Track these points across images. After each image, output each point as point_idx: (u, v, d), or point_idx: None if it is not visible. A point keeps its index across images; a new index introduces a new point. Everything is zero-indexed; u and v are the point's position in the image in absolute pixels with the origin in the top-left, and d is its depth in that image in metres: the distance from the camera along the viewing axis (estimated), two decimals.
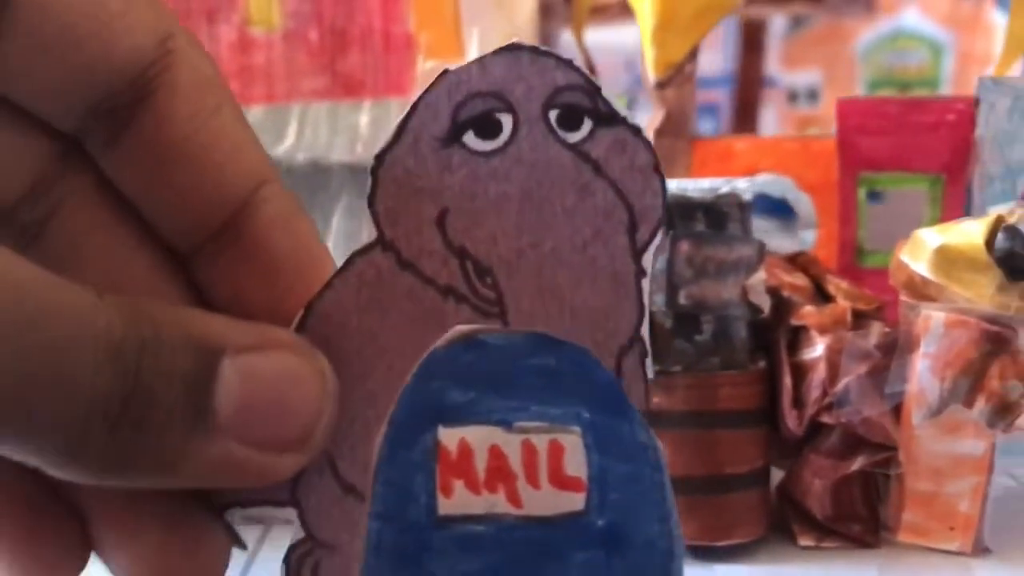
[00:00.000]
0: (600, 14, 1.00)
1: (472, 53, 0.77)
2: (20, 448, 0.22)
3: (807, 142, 0.63)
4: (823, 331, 0.45)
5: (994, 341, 0.44)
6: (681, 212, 0.44)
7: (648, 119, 0.64)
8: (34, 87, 0.24)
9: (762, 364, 0.46)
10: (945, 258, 0.46)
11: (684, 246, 0.44)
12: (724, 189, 0.45)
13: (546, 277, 0.26)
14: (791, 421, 0.46)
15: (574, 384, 0.26)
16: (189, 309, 0.25)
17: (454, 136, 0.25)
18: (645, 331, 0.26)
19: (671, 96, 0.62)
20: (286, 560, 0.26)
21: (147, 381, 0.22)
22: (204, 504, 0.26)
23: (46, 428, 0.21)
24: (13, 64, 0.24)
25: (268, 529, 0.44)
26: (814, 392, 0.45)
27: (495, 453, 0.25)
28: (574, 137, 0.26)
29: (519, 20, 0.85)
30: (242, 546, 0.27)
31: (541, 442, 0.25)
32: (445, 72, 0.25)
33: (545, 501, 0.25)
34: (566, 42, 0.93)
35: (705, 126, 2.05)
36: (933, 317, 0.45)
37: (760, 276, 0.45)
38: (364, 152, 0.76)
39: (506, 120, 0.26)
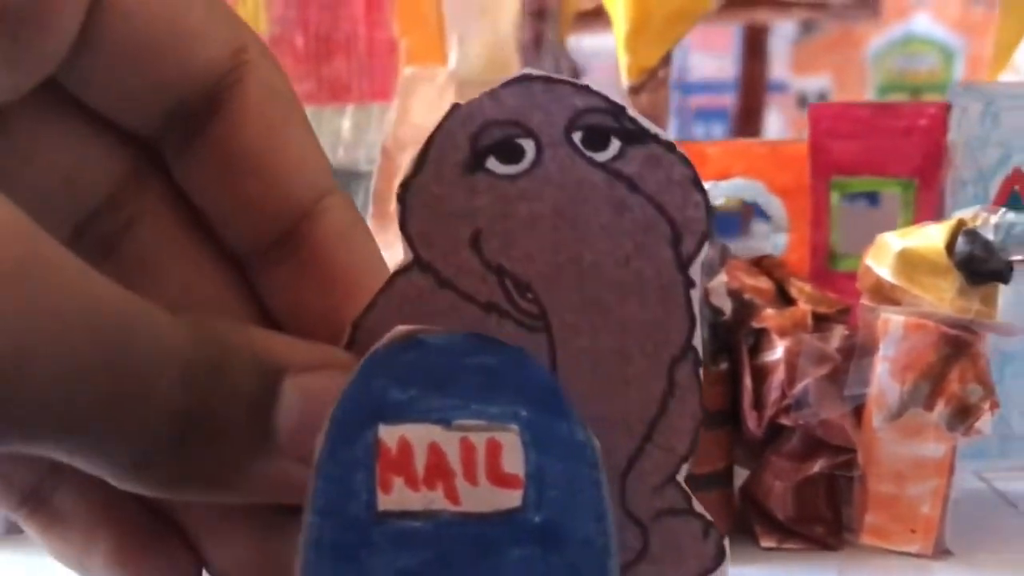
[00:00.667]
0: (596, 18, 1.01)
1: (452, 59, 0.77)
2: (90, 459, 0.22)
3: (779, 146, 0.64)
4: (783, 334, 0.46)
5: (953, 344, 0.45)
6: None
7: None
8: (115, 95, 0.25)
9: (724, 366, 0.46)
10: (907, 262, 0.46)
11: None
12: None
13: (589, 291, 0.26)
14: (751, 422, 0.46)
15: (513, 383, 0.26)
16: (254, 328, 0.25)
17: (476, 163, 0.25)
18: (697, 341, 0.27)
19: (644, 101, 0.62)
20: None
21: (214, 401, 0.23)
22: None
23: (117, 441, 0.22)
24: (97, 72, 0.25)
25: None
26: (773, 394, 0.45)
27: (434, 451, 0.25)
28: (602, 156, 0.26)
29: (502, 26, 0.85)
30: None
31: (479, 440, 0.25)
32: (456, 107, 0.25)
33: (482, 498, 0.25)
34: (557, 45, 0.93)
35: (715, 130, 2.05)
36: (892, 320, 0.45)
37: (721, 279, 0.45)
38: (345, 156, 0.77)
39: (528, 145, 0.26)
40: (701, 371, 0.27)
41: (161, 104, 0.25)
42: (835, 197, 0.62)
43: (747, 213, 1.01)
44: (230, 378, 0.23)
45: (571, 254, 0.26)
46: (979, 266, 0.45)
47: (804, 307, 0.47)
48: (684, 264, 0.26)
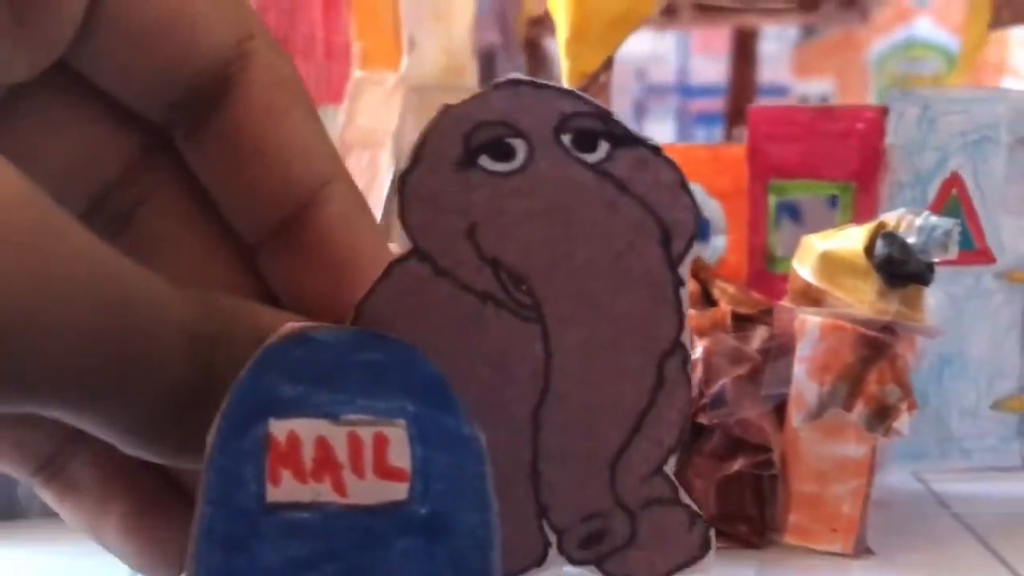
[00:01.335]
0: (549, 23, 1.01)
1: (404, 63, 0.77)
2: (97, 423, 0.23)
3: (717, 149, 0.64)
4: (702, 334, 0.46)
5: (871, 346, 0.45)
6: None
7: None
8: (123, 77, 0.26)
9: None
10: (828, 263, 0.47)
11: None
12: None
13: (582, 286, 0.27)
14: None
15: (400, 379, 0.26)
16: (257, 305, 0.26)
17: (470, 160, 0.26)
18: (686, 337, 0.28)
19: None
20: None
21: (217, 371, 0.24)
22: None
23: (123, 406, 0.23)
24: (105, 55, 0.25)
25: None
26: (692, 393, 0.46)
27: (322, 444, 0.26)
28: (592, 158, 0.27)
29: (457, 32, 0.86)
30: None
31: (367, 434, 0.26)
32: (447, 107, 0.26)
33: (369, 490, 0.26)
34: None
35: (716, 134, 2.05)
36: (808, 321, 0.46)
37: None
38: None
39: (519, 144, 0.26)
40: (690, 367, 0.28)
41: (168, 88, 0.26)
42: (773, 200, 0.63)
43: None
44: (233, 349, 0.24)
45: (564, 250, 0.27)
46: (898, 268, 0.45)
47: (725, 308, 0.48)
48: (674, 263, 0.27)
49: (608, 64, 0.63)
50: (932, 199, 0.61)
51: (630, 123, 0.27)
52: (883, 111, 0.61)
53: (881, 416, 0.45)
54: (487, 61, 1.16)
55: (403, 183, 0.26)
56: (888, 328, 0.46)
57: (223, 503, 0.26)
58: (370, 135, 0.64)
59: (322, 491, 0.26)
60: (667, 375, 0.28)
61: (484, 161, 0.26)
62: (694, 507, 0.29)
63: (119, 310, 0.22)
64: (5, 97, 0.25)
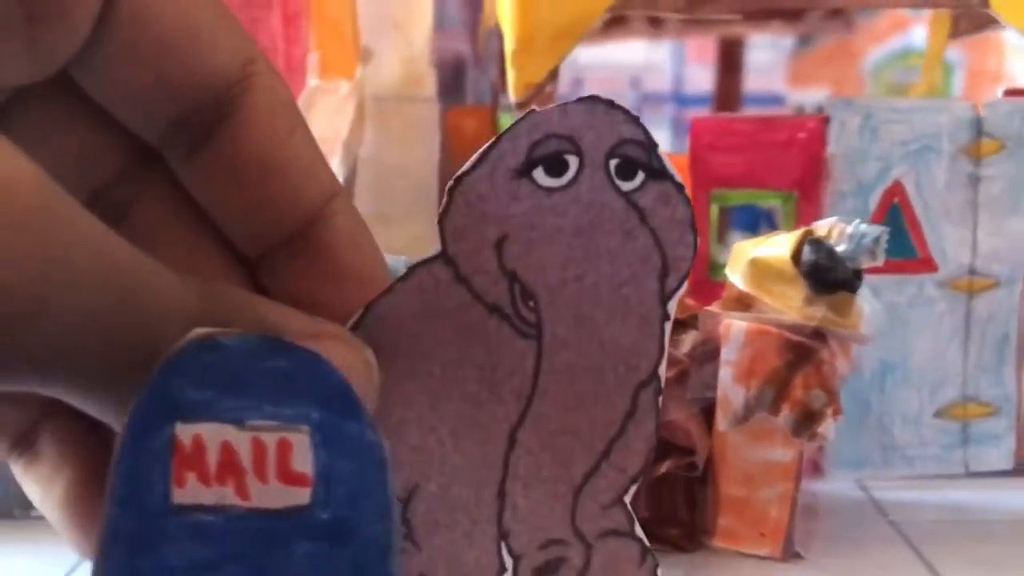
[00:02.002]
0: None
1: (358, 72, 0.78)
2: (100, 405, 0.24)
3: None
4: None
5: (797, 351, 0.46)
6: None
7: None
8: (123, 95, 0.26)
9: None
10: (757, 270, 0.47)
11: None
12: None
13: (584, 309, 0.28)
14: None
15: (306, 385, 0.27)
16: (256, 296, 0.27)
17: (526, 170, 0.27)
18: (662, 370, 0.28)
19: None
20: None
21: None
22: None
23: (126, 389, 0.24)
24: (105, 71, 0.26)
25: None
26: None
27: (226, 449, 0.26)
28: (627, 186, 0.27)
29: (416, 42, 0.86)
30: None
31: (271, 440, 0.26)
32: (532, 111, 0.27)
33: (272, 495, 0.26)
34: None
35: None
36: (734, 326, 0.47)
37: None
38: None
39: (573, 162, 0.27)
40: (661, 399, 0.28)
41: (167, 108, 0.26)
42: (715, 209, 0.64)
43: None
44: None
45: (577, 272, 0.28)
46: (824, 275, 0.46)
47: None
48: (665, 298, 0.28)
49: (554, 75, 0.64)
50: (874, 208, 0.62)
51: None
52: (824, 120, 0.62)
53: (807, 421, 0.46)
54: (456, 71, 1.17)
55: (457, 183, 0.27)
56: (816, 334, 0.47)
57: (130, 504, 0.26)
58: (321, 143, 0.65)
59: (225, 494, 0.26)
60: (640, 404, 0.28)
61: (537, 174, 0.27)
62: (646, 541, 0.29)
63: (124, 296, 0.22)
64: (1, 103, 0.26)
